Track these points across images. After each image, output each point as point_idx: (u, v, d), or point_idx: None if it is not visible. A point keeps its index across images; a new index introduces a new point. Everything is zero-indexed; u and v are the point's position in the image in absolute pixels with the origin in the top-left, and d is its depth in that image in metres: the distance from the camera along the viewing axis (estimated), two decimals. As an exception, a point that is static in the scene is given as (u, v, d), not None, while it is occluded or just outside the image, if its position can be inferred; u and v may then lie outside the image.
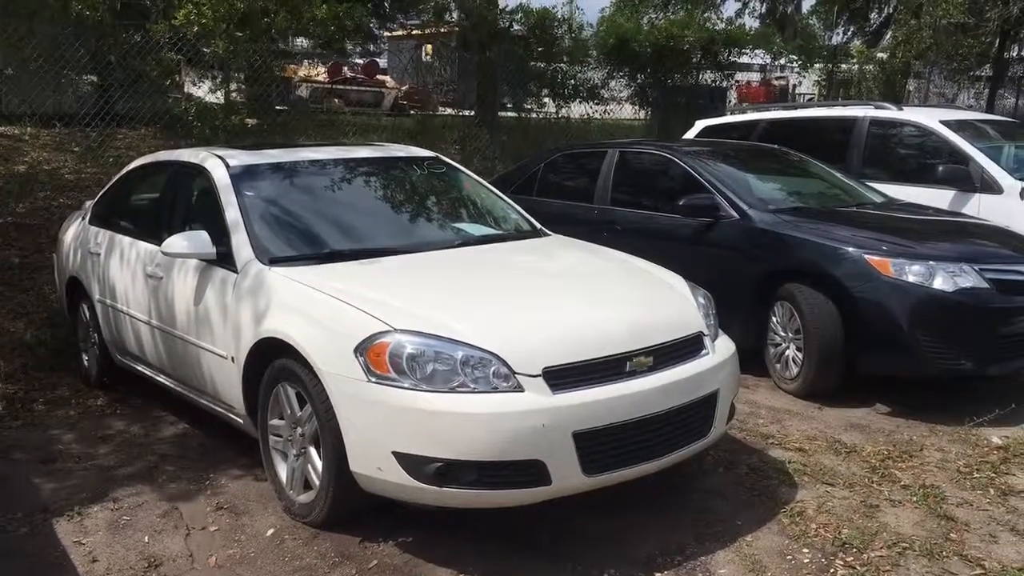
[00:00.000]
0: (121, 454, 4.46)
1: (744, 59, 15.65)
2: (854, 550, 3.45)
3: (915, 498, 3.90)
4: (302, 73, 19.37)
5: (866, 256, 4.97)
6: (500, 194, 5.21)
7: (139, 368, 5.01)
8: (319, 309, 3.56)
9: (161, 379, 4.79)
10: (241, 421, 4.06)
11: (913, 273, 4.84)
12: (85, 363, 5.61)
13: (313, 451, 3.57)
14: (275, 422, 3.78)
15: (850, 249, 5.04)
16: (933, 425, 4.79)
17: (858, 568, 3.33)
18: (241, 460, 4.27)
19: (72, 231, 5.80)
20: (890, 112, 7.49)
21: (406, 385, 3.21)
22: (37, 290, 6.74)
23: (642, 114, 14.03)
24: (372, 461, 3.28)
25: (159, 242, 4.55)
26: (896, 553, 3.44)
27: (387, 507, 3.47)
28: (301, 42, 17.09)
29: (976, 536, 3.59)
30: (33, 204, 8.12)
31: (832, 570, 3.32)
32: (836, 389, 5.14)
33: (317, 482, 3.54)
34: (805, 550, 3.46)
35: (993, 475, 4.15)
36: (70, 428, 4.84)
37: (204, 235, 4.14)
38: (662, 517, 3.69)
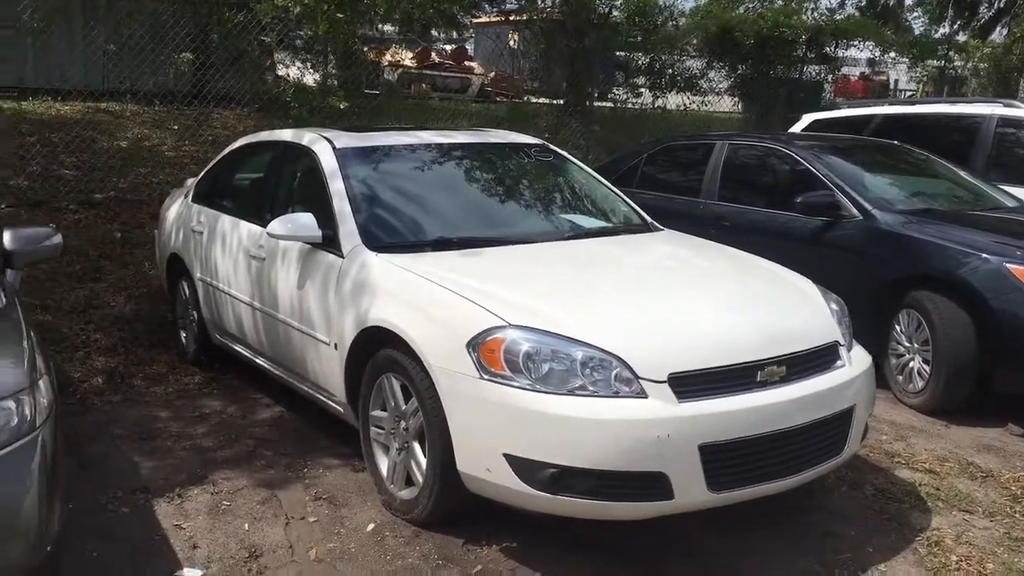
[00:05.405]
0: (218, 435, 4.40)
1: (851, 52, 14.99)
2: (1002, 588, 3.15)
3: (1065, 533, 3.55)
4: (390, 58, 19.38)
5: (1007, 264, 4.59)
6: (609, 185, 4.98)
7: (237, 348, 4.96)
8: (430, 300, 3.40)
9: (260, 361, 4.71)
10: (341, 410, 3.95)
11: (1060, 285, 4.45)
12: (183, 340, 5.60)
13: (417, 446, 3.42)
14: (377, 413, 3.65)
15: (988, 256, 4.67)
16: (1077, 452, 4.40)
17: (1007, 609, 3.03)
18: (338, 449, 4.17)
19: (174, 208, 5.79)
20: (1021, 111, 6.98)
21: (521, 384, 3.02)
22: (136, 265, 6.80)
23: (740, 106, 13.54)
24: (481, 462, 3.11)
25: (262, 223, 4.48)
26: (1050, 595, 3.12)
27: (492, 508, 3.29)
28: (389, 28, 17.18)
29: None
30: (134, 180, 8.21)
31: (978, 610, 3.03)
32: (964, 406, 4.78)
33: (420, 479, 3.39)
34: (946, 585, 3.17)
35: None
36: (167, 405, 4.81)
37: (310, 218, 4.01)
38: (785, 539, 3.43)
